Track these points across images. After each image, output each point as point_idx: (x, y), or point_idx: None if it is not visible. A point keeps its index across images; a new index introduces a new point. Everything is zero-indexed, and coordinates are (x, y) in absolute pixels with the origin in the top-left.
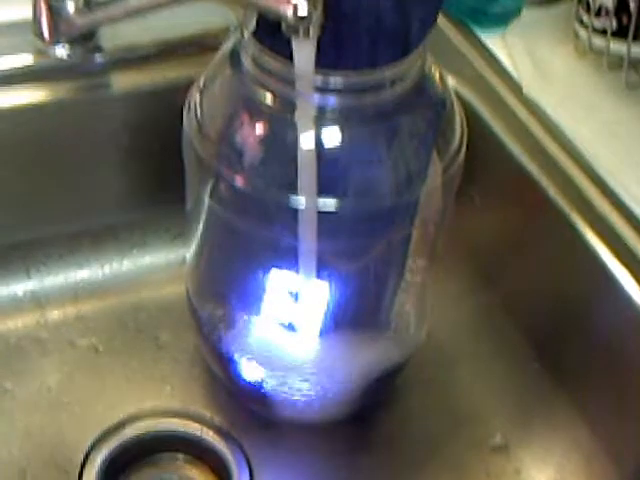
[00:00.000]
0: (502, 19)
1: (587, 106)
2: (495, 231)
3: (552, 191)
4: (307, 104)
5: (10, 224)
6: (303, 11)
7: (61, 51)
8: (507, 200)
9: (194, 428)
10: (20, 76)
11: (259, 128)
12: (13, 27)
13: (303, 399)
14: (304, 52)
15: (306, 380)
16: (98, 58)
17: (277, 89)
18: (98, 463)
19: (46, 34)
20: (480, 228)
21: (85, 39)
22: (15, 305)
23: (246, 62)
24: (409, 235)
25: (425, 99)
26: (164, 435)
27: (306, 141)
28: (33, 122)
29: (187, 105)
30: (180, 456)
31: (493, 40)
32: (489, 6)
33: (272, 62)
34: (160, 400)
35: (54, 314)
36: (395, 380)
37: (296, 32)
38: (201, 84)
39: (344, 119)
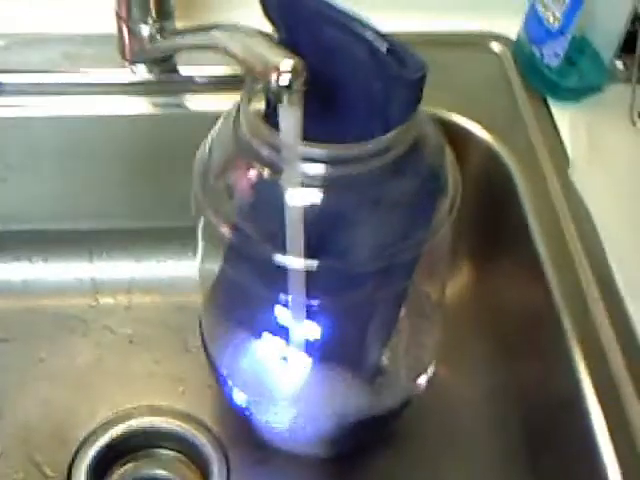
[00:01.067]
0: (577, 93)
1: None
2: (512, 308)
3: (557, 294)
4: (293, 170)
5: (86, 212)
6: (285, 80)
7: (141, 69)
8: (519, 283)
9: (190, 432)
10: (105, 87)
11: (249, 187)
12: (103, 39)
13: (286, 430)
14: (288, 121)
15: (287, 411)
16: (174, 78)
17: (267, 153)
18: (97, 444)
19: (127, 53)
20: (499, 302)
21: (164, 60)
22: (73, 286)
23: (243, 124)
24: (399, 292)
25: (414, 169)
26: (161, 433)
27: (292, 204)
28: (115, 129)
29: (202, 145)
30: (172, 454)
31: (562, 112)
32: (564, 80)
33: (263, 128)
34: (170, 399)
35: (105, 300)
36: (387, 425)
37: (280, 100)
38: (216, 129)
39: (329, 186)
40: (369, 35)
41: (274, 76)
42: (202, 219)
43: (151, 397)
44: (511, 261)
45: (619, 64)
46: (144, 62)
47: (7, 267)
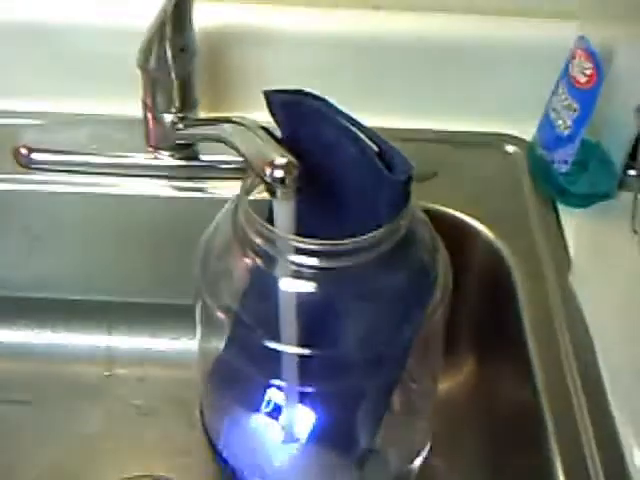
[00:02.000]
0: (586, 200)
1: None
2: (503, 405)
3: (544, 398)
4: (286, 261)
5: (105, 285)
6: (279, 174)
7: (164, 154)
8: (511, 382)
9: None
10: (128, 169)
11: (245, 274)
12: (131, 122)
13: None
14: (282, 214)
15: None
16: (194, 164)
17: (262, 244)
18: None
19: (151, 139)
20: (493, 398)
21: (186, 147)
22: (90, 355)
23: (240, 216)
24: (390, 381)
25: (404, 264)
26: None
27: (285, 293)
28: (136, 208)
29: (206, 231)
30: None
31: (570, 216)
32: (574, 186)
33: (258, 220)
34: (175, 471)
35: (119, 371)
36: None
37: (274, 194)
38: (219, 217)
39: (320, 277)
40: (362, 136)
41: (269, 171)
42: (200, 301)
43: (157, 467)
44: (506, 359)
45: (632, 172)
46: (167, 148)
47: (31, 333)
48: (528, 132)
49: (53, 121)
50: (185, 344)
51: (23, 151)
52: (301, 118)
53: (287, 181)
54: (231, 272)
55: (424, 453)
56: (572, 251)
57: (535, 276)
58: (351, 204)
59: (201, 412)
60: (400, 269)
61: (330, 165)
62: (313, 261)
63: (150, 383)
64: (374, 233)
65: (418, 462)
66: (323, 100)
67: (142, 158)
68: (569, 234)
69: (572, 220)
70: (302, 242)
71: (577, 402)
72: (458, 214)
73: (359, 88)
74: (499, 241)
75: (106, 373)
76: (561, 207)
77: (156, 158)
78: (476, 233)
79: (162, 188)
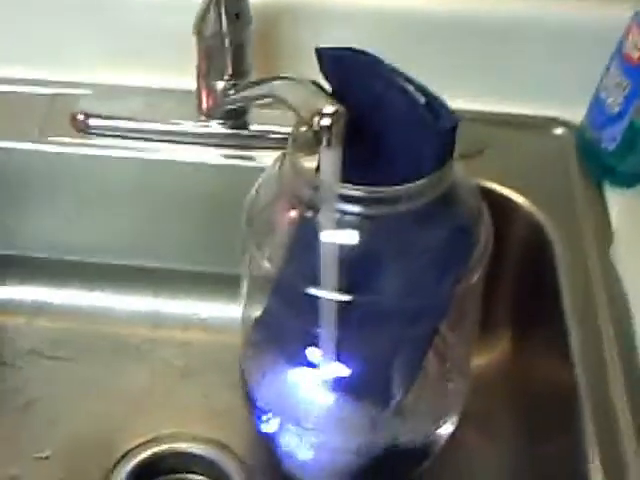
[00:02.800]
0: (633, 178)
1: None
2: (538, 383)
3: (581, 377)
4: (329, 209)
5: (153, 251)
6: (326, 122)
7: (214, 123)
8: (547, 360)
9: (222, 459)
10: (179, 136)
11: (289, 224)
12: (182, 94)
13: (308, 460)
14: (328, 161)
15: (311, 439)
16: (243, 133)
17: (306, 193)
18: (136, 462)
19: (202, 107)
20: (529, 375)
21: (237, 117)
22: (135, 317)
23: (286, 166)
24: (426, 335)
25: (447, 216)
26: (194, 457)
27: (327, 241)
28: (185, 175)
29: (256, 185)
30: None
31: (615, 196)
32: (621, 164)
33: (304, 169)
34: (210, 429)
35: (163, 334)
36: (406, 470)
37: (320, 141)
38: (266, 172)
39: (364, 225)
40: (410, 88)
41: (316, 118)
42: (247, 255)
43: (193, 425)
44: (543, 335)
45: None
46: (218, 117)
47: (79, 294)
48: (578, 116)
49: (108, 91)
50: (228, 311)
51: (80, 117)
52: (350, 72)
53: (334, 128)
54: (276, 224)
55: (454, 421)
56: (615, 228)
57: (576, 251)
58: (397, 155)
59: (240, 366)
60: (442, 225)
61: (377, 117)
62: (357, 208)
63: (193, 347)
64: (418, 182)
65: (447, 430)
66: (373, 56)
67: (193, 126)
68: (613, 213)
69: (617, 199)
70: (346, 188)
71: (615, 382)
72: (502, 188)
73: (406, 64)
74: (542, 215)
75: (150, 335)
76: (607, 188)
77: (207, 126)
78: (519, 207)
79: (212, 156)
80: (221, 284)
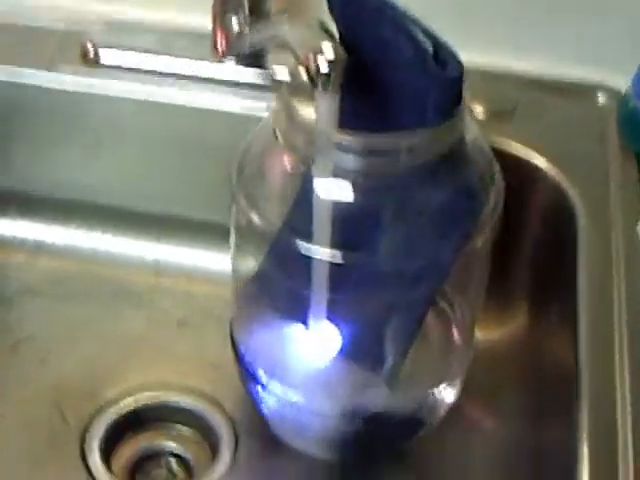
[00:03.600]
0: None
1: None
2: (546, 359)
3: (585, 357)
4: (325, 159)
5: (159, 196)
6: (322, 63)
7: (229, 64)
8: (557, 336)
9: (209, 413)
10: (193, 78)
11: (281, 175)
12: (200, 34)
13: (297, 422)
14: (324, 106)
15: (300, 398)
16: (260, 76)
17: (301, 141)
18: (120, 410)
19: (218, 48)
20: (538, 350)
21: (254, 59)
22: (137, 263)
23: (283, 110)
24: (425, 298)
25: (452, 174)
26: (181, 409)
27: (321, 194)
28: (200, 119)
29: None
30: (187, 430)
31: None
32: None
33: (299, 116)
34: (202, 382)
35: (165, 282)
36: (398, 437)
37: (316, 86)
38: (262, 122)
39: (360, 178)
40: (418, 34)
41: (312, 59)
42: (235, 206)
43: (185, 377)
44: (558, 312)
45: None
46: (233, 58)
47: (82, 235)
48: (624, 83)
49: (121, 26)
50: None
51: (90, 48)
52: (359, 15)
53: (332, 73)
54: (268, 175)
55: (454, 390)
56: None
57: (601, 224)
58: (400, 105)
59: (230, 323)
60: (446, 185)
61: (383, 63)
62: (354, 160)
63: (194, 298)
64: (420, 133)
65: (445, 398)
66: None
67: (206, 66)
68: None
69: None
70: (344, 137)
71: (619, 368)
72: (527, 151)
73: (446, 19)
74: (568, 183)
75: (152, 283)
76: None
77: (221, 67)
78: (543, 173)
79: (226, 99)
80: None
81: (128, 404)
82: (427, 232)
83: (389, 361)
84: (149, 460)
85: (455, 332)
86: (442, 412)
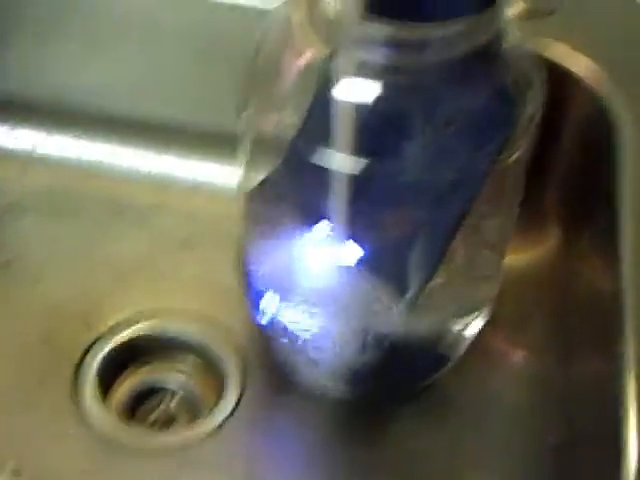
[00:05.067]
0: None
1: None
2: (580, 285)
3: (627, 284)
4: (349, 53)
5: (164, 102)
6: None
7: None
8: (592, 259)
9: (215, 341)
10: None
11: (298, 74)
12: None
13: (310, 348)
14: None
15: (315, 319)
16: None
17: (321, 34)
18: (117, 340)
19: None
20: (570, 275)
21: None
22: (137, 177)
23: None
24: (454, 216)
25: (490, 73)
26: (185, 337)
27: (342, 94)
28: (209, 14)
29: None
30: (191, 360)
31: None
32: None
33: (319, 6)
34: (207, 307)
35: (168, 200)
36: (417, 373)
37: None
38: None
39: (388, 75)
40: None
41: None
42: (248, 110)
43: (189, 302)
44: (591, 231)
45: None
46: None
47: (78, 145)
48: None
49: None
50: (231, 173)
51: None
52: None
53: None
54: (284, 75)
55: (480, 321)
56: None
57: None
58: None
59: (239, 240)
60: (480, 87)
61: None
62: (380, 53)
63: (200, 216)
64: (461, 21)
65: (471, 330)
66: None
67: None
68: None
69: None
70: (370, 28)
71: None
72: (566, 53)
73: None
74: (611, 93)
75: (154, 199)
76: None
77: None
78: (583, 80)
79: None
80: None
81: (126, 334)
82: (459, 139)
83: (412, 283)
84: (149, 396)
85: (484, 256)
86: (465, 346)
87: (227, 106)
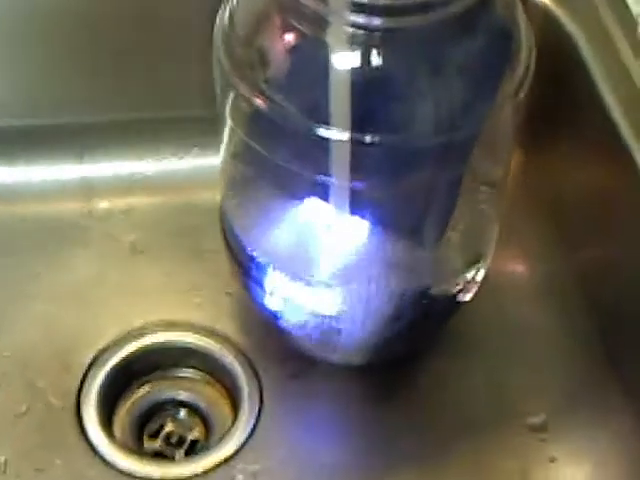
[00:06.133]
0: None
1: None
2: (577, 186)
3: None
4: (340, 23)
5: (71, 103)
6: None
7: None
8: (593, 154)
9: (212, 345)
10: None
11: (286, 48)
12: None
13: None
14: None
15: (337, 290)
16: None
17: (310, 3)
18: (105, 370)
19: None
20: (561, 179)
21: None
22: (63, 189)
23: None
24: (458, 175)
25: (482, 28)
26: (179, 348)
27: (337, 66)
28: None
29: (222, 6)
30: (194, 373)
31: None
32: None
33: None
34: (186, 312)
35: (102, 204)
36: (441, 321)
37: None
38: None
39: (383, 42)
40: None
41: None
42: (231, 94)
43: (164, 311)
44: (579, 137)
45: None
46: None
47: None
48: None
49: None
50: (175, 165)
51: None
52: None
53: None
54: (267, 49)
55: (487, 264)
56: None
57: (601, 38)
58: None
59: (222, 222)
60: (478, 34)
61: None
62: (376, 20)
63: (140, 214)
64: None
65: (482, 272)
66: None
67: None
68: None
69: None
70: None
71: None
72: None
73: None
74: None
75: (86, 209)
76: None
77: None
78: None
79: None
80: (162, 133)
81: (112, 362)
82: (465, 91)
83: (429, 237)
84: (155, 416)
85: (487, 198)
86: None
87: (144, 92)
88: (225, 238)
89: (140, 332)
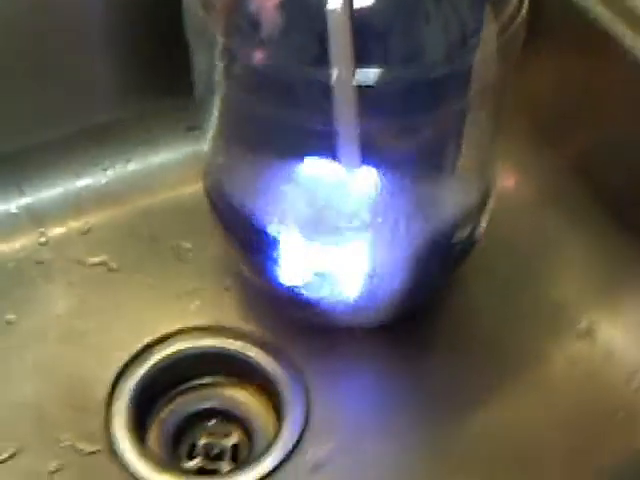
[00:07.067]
0: None
1: None
2: (562, 83)
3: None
4: None
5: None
6: None
7: None
8: (576, 47)
9: (233, 345)
10: None
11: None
12: None
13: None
14: None
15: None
16: None
17: None
18: (127, 396)
19: None
20: (545, 80)
21: None
22: (9, 224)
23: None
24: (463, 108)
25: None
26: (200, 355)
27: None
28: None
29: None
30: (221, 378)
31: None
32: None
33: None
34: (188, 318)
35: (56, 231)
36: (452, 267)
37: None
38: None
39: None
40: None
41: None
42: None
43: (165, 325)
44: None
45: None
46: None
47: None
48: None
49: None
50: (120, 171)
51: None
52: None
53: None
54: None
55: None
56: None
57: None
58: None
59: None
60: None
61: None
62: None
63: (101, 231)
64: None
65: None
66: None
67: None
68: None
69: None
70: None
71: None
72: None
73: None
74: None
75: (39, 241)
76: None
77: None
78: None
79: None
80: (99, 139)
81: (130, 390)
82: (468, 16)
83: (442, 172)
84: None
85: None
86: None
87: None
88: (222, 221)
89: (149, 351)
